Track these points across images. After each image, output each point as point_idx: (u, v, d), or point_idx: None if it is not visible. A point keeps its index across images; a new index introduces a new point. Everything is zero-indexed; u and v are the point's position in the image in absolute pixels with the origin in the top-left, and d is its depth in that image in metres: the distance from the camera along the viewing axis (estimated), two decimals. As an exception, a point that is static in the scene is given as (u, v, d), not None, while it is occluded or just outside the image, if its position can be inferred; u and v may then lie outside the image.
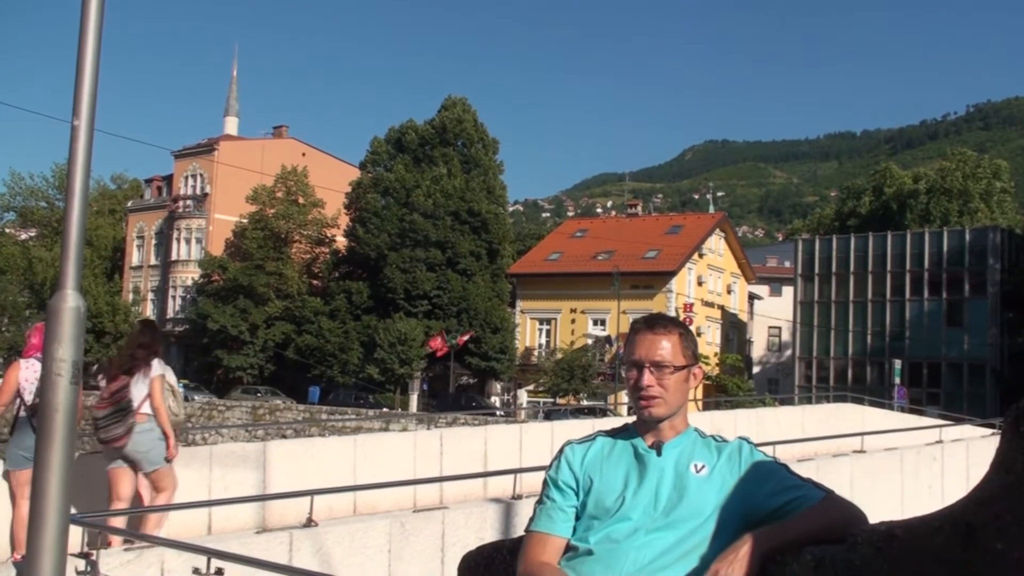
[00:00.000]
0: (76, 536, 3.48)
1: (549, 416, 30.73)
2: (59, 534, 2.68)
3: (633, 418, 2.19)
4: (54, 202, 71.71)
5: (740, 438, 2.13)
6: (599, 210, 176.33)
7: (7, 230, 74.11)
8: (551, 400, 43.93)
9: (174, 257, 60.69)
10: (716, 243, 51.94)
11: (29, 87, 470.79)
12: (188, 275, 59.02)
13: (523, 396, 48.52)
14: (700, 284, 49.22)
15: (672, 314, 28.04)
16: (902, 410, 27.36)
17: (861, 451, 11.19)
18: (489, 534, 6.03)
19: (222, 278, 53.10)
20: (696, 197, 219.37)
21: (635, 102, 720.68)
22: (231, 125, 69.07)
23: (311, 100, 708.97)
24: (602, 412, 34.45)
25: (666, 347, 2.11)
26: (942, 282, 50.45)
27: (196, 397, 42.31)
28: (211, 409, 39.83)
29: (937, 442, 12.33)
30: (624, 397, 31.40)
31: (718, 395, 40.88)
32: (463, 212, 47.98)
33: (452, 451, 10.50)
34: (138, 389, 6.35)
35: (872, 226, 57.51)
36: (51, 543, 2.66)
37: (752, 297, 59.39)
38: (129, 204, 69.67)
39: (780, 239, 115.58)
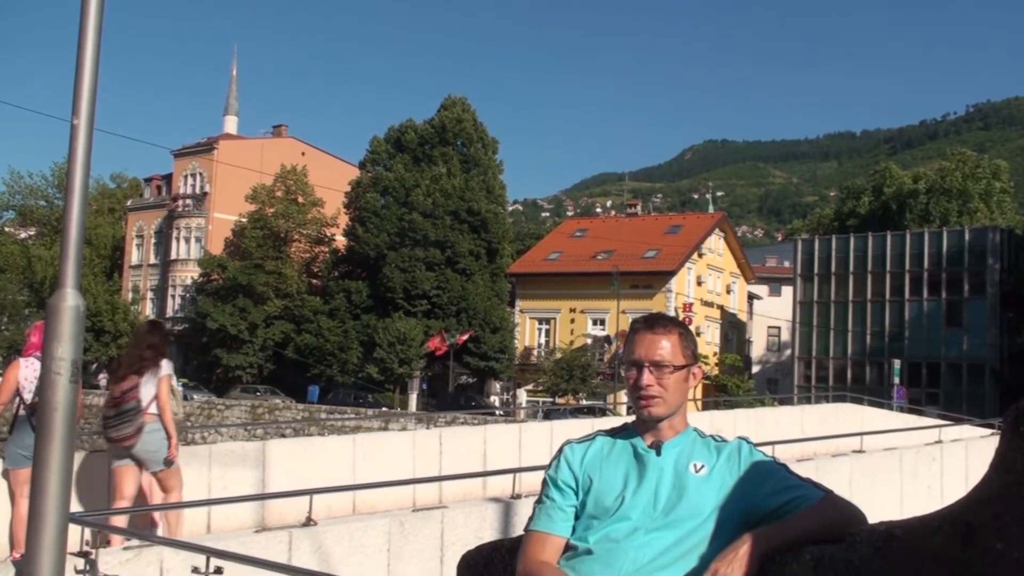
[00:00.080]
0: (75, 535, 3.48)
1: (548, 416, 30.72)
2: (58, 533, 2.68)
3: (632, 418, 2.20)
4: (53, 201, 71.74)
5: (739, 438, 2.13)
6: (598, 210, 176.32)
7: (7, 229, 74.12)
8: (550, 400, 43.93)
9: (173, 256, 60.69)
10: (715, 243, 51.95)
11: (29, 86, 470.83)
12: (187, 274, 59.02)
13: (522, 396, 48.53)
14: (699, 284, 49.23)
15: (671, 314, 28.05)
16: (901, 410, 27.36)
17: (860, 451, 11.19)
18: (488, 533, 6.03)
19: (221, 277, 53.11)
20: (696, 197, 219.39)
21: (635, 102, 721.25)
22: (230, 124, 69.06)
23: (311, 99, 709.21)
24: (601, 412, 34.46)
25: (666, 347, 2.11)
26: (941, 282, 50.48)
27: (195, 396, 42.32)
28: (210, 408, 39.81)
29: (936, 442, 12.33)
30: (623, 397, 31.41)
31: (717, 395, 40.87)
32: (462, 212, 47.98)
33: (451, 450, 10.51)
34: (147, 389, 6.39)
35: (871, 226, 57.52)
36: (50, 542, 2.66)
37: (751, 297, 59.41)
38: (128, 203, 69.68)
39: (779, 239, 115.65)
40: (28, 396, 6.31)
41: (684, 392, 2.14)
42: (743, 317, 56.82)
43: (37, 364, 5.99)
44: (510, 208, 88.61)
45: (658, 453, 2.07)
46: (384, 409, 40.31)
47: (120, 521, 6.04)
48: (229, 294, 52.04)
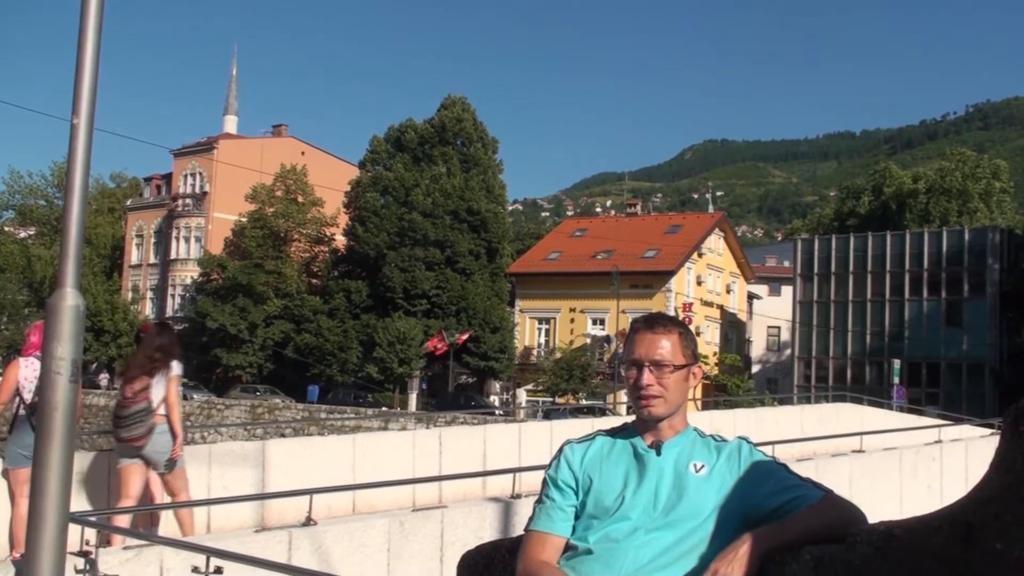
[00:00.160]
0: (75, 534, 3.48)
1: (548, 415, 30.70)
2: (58, 532, 2.68)
3: (632, 417, 2.20)
4: (53, 200, 71.73)
5: (739, 438, 2.13)
6: (598, 209, 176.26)
7: (6, 228, 74.13)
8: (550, 399, 43.93)
9: (173, 256, 60.69)
10: (715, 243, 51.95)
11: (29, 86, 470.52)
12: (187, 274, 59.02)
13: (522, 395, 48.53)
14: (699, 284, 49.24)
15: (671, 313, 28.03)
16: (901, 410, 27.33)
17: (860, 451, 11.18)
18: (488, 533, 6.03)
19: (221, 277, 53.11)
20: (695, 197, 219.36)
21: (635, 102, 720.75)
22: (230, 124, 69.07)
23: (310, 99, 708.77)
24: (601, 411, 34.44)
25: (666, 346, 2.11)
26: (941, 282, 50.50)
27: (195, 396, 42.30)
28: (210, 408, 39.80)
29: (936, 442, 12.32)
30: (623, 396, 31.40)
31: (717, 395, 40.87)
32: (462, 211, 47.98)
33: (451, 450, 10.51)
34: (157, 390, 6.44)
35: (871, 226, 57.52)
36: (50, 541, 2.66)
37: (751, 297, 59.41)
38: (128, 203, 69.68)
39: (779, 239, 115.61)
40: (28, 396, 6.32)
41: (684, 392, 2.14)
42: (743, 317, 56.83)
43: (37, 364, 5.99)
44: (510, 208, 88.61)
45: (658, 453, 2.07)
46: (384, 409, 40.31)
47: (122, 520, 6.06)
48: (229, 294, 52.04)
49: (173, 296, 60.43)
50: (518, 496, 6.69)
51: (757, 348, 62.46)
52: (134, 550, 4.50)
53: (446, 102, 51.65)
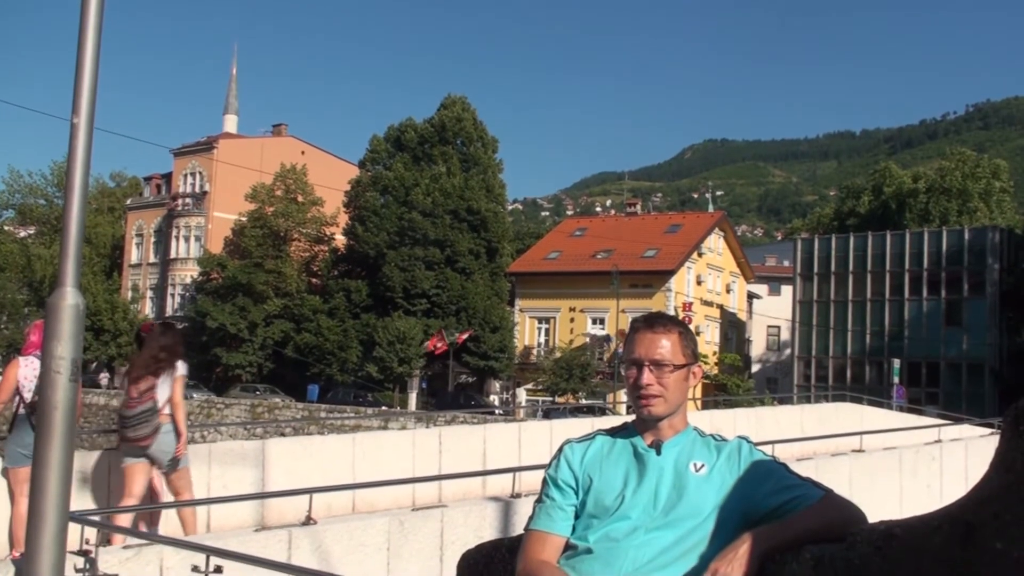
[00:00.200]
0: (75, 533, 3.48)
1: (548, 415, 30.72)
2: (58, 532, 2.68)
3: (632, 417, 2.20)
4: (53, 200, 71.71)
5: (739, 437, 2.13)
6: (598, 209, 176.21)
7: (6, 227, 74.11)
8: (550, 399, 43.94)
9: (173, 255, 60.68)
10: (715, 242, 51.94)
11: (29, 85, 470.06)
12: (187, 273, 59.01)
13: (522, 395, 48.53)
14: (699, 283, 49.23)
15: (671, 313, 28.06)
16: (901, 409, 27.31)
17: (860, 450, 11.17)
18: (488, 532, 6.03)
19: (221, 276, 53.10)
20: (695, 196, 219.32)
21: (635, 101, 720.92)
22: (230, 123, 69.08)
23: (310, 98, 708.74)
24: (601, 411, 34.44)
25: (666, 346, 2.11)
26: (941, 282, 50.50)
27: (195, 395, 42.27)
28: (210, 407, 39.79)
29: (936, 441, 12.32)
30: (623, 396, 31.39)
31: (717, 394, 40.86)
32: (462, 211, 47.98)
33: (451, 449, 10.50)
34: (162, 390, 6.47)
35: (871, 226, 57.52)
36: (50, 540, 2.66)
37: (751, 296, 59.41)
38: (128, 202, 69.68)
39: (779, 238, 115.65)
40: (28, 395, 6.32)
41: (684, 391, 2.14)
42: (743, 316, 56.82)
43: (37, 363, 6.00)
44: (510, 207, 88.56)
45: (658, 452, 2.07)
46: (384, 408, 40.31)
47: (123, 519, 6.07)
48: (229, 293, 52.03)
49: (173, 295, 60.42)
50: (518, 495, 6.69)
51: (757, 348, 62.46)
52: (134, 549, 4.50)
53: (446, 102, 51.63)
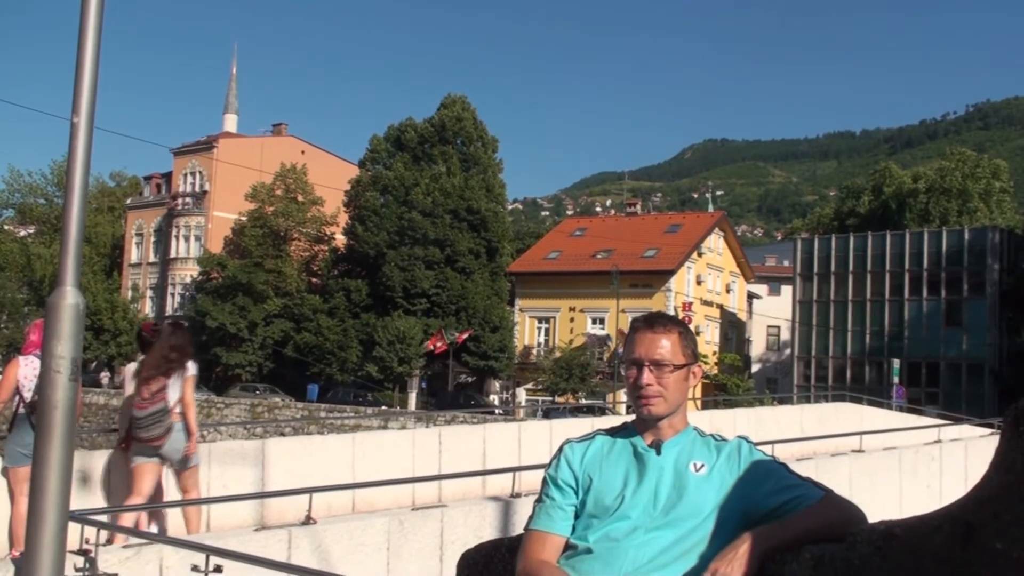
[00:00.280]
0: (75, 533, 3.48)
1: (548, 414, 30.73)
2: (58, 531, 2.68)
3: (632, 417, 2.20)
4: (53, 199, 71.71)
5: (739, 437, 2.13)
6: (598, 209, 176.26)
7: (6, 227, 74.10)
8: (550, 398, 43.95)
9: (173, 254, 60.69)
10: (715, 242, 51.95)
11: (29, 85, 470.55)
12: (187, 272, 59.01)
13: (522, 394, 48.53)
14: (699, 283, 49.23)
15: (671, 313, 28.06)
16: (900, 409, 27.32)
17: (860, 450, 11.17)
18: (488, 532, 6.03)
19: (221, 276, 53.11)
20: (695, 196, 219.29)
21: (635, 101, 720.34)
22: (230, 123, 69.08)
23: (310, 98, 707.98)
24: (601, 411, 34.44)
25: (666, 346, 2.11)
26: (941, 282, 50.50)
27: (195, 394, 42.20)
28: (210, 407, 39.76)
29: (936, 442, 12.32)
30: (623, 396, 31.39)
31: (717, 394, 40.86)
32: (462, 210, 47.98)
33: (451, 449, 10.50)
34: (173, 390, 6.51)
35: (871, 226, 57.52)
36: (50, 540, 2.66)
37: (751, 296, 59.41)
38: (128, 201, 69.68)
39: (779, 238, 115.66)
40: (28, 394, 6.32)
41: (684, 391, 2.14)
42: (743, 316, 56.83)
43: (37, 362, 6.00)
44: (510, 207, 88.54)
45: (658, 452, 2.07)
46: (383, 408, 40.33)
47: (126, 518, 6.08)
48: (229, 292, 52.04)
49: (173, 295, 60.43)
50: (518, 495, 6.70)
51: (757, 347, 62.47)
52: (134, 548, 4.50)
53: (446, 101, 51.63)
